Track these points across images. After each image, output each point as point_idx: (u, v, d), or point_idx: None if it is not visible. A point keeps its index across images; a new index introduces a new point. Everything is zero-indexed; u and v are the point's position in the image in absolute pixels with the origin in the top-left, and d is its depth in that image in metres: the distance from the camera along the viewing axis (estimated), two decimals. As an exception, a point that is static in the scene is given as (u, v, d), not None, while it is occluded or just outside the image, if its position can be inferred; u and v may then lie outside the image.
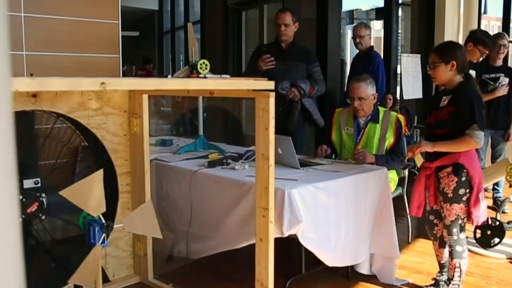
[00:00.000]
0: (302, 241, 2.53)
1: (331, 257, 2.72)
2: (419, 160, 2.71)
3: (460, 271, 2.70)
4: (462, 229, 2.66)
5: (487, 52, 4.12)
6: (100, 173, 2.15)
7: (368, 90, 3.29)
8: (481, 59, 4.23)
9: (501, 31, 7.47)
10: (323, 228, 2.64)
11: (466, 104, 2.58)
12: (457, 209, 2.63)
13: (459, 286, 2.73)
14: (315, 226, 2.58)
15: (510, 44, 4.49)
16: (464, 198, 2.62)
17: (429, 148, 2.63)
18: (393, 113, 3.41)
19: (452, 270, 2.71)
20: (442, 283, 2.78)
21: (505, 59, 4.61)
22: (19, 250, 0.52)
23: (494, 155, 4.56)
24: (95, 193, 2.13)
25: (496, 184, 4.48)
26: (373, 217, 2.91)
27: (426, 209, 2.83)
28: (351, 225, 2.78)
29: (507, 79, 4.30)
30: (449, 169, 2.63)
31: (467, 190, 2.62)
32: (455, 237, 2.67)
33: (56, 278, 2.78)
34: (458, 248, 2.68)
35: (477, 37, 4.13)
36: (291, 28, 3.98)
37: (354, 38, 4.87)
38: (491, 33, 4.45)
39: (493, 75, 4.29)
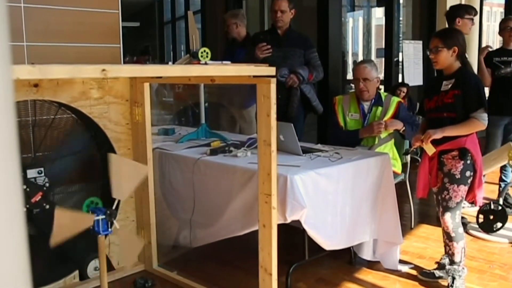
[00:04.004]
0: (305, 226, 2.54)
1: (329, 241, 2.73)
2: (430, 149, 2.72)
3: (464, 251, 2.77)
4: (460, 211, 2.74)
5: (474, 18, 4.07)
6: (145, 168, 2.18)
7: (372, 72, 3.34)
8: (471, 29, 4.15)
9: (503, 17, 7.43)
10: (325, 213, 2.65)
11: (472, 87, 2.67)
12: (463, 190, 2.70)
13: (464, 267, 2.78)
14: (318, 212, 2.59)
15: None
16: (469, 181, 2.71)
17: (438, 135, 2.66)
18: (395, 98, 3.46)
19: (459, 254, 2.75)
20: (448, 267, 2.78)
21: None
22: (24, 240, 0.52)
23: (504, 139, 4.41)
24: (128, 178, 2.14)
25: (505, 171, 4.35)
26: (374, 201, 2.91)
27: (433, 191, 2.88)
28: (349, 208, 2.78)
29: None
30: (454, 153, 2.70)
31: (472, 173, 2.71)
32: (457, 220, 2.71)
33: (61, 267, 2.81)
34: (460, 230, 2.73)
35: (457, 10, 4.09)
36: (288, 15, 3.96)
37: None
38: (494, 18, 4.42)
39: (504, 58, 4.22)
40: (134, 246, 2.27)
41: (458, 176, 2.68)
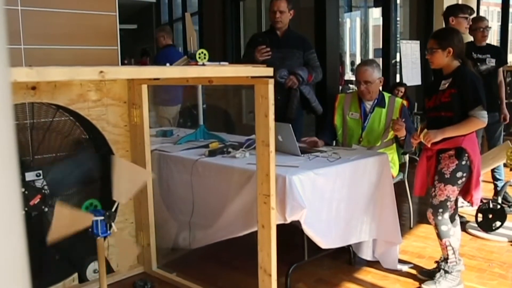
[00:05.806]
0: (304, 226, 2.53)
1: (324, 240, 2.72)
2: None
3: (452, 248, 2.75)
4: (446, 210, 2.71)
5: (469, 17, 4.08)
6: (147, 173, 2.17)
7: (374, 73, 3.33)
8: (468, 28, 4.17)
9: (500, 16, 7.44)
10: (321, 212, 2.65)
11: (468, 85, 2.66)
12: (450, 190, 2.69)
13: (456, 263, 2.77)
14: (316, 211, 2.59)
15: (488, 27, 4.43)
16: (460, 182, 2.69)
17: (438, 137, 2.65)
18: (398, 99, 3.45)
19: (445, 250, 2.76)
20: (441, 263, 2.80)
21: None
22: (24, 243, 0.52)
23: (490, 139, 4.42)
24: (130, 182, 2.13)
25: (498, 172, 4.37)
26: (372, 201, 2.91)
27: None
28: (345, 207, 2.78)
29: (493, 60, 4.27)
30: (451, 152, 2.69)
31: (464, 174, 2.69)
32: (439, 217, 2.71)
33: (60, 270, 2.80)
34: (443, 227, 2.72)
35: (452, 9, 4.10)
36: (286, 15, 3.96)
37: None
38: (490, 18, 4.43)
39: (479, 55, 4.24)
40: (131, 249, 2.27)
41: (447, 175, 2.68)
